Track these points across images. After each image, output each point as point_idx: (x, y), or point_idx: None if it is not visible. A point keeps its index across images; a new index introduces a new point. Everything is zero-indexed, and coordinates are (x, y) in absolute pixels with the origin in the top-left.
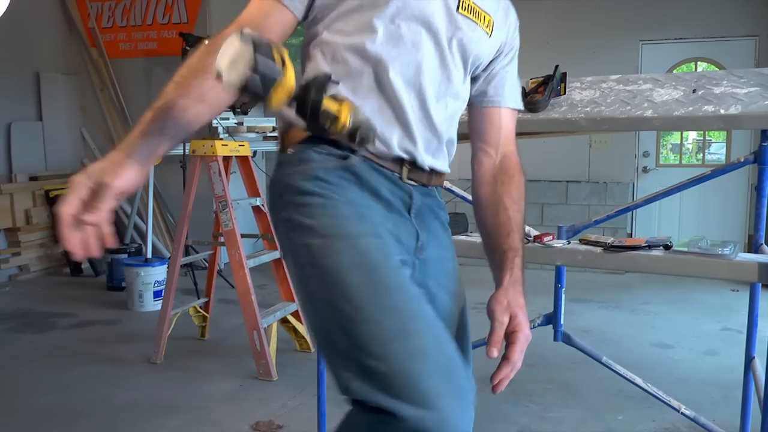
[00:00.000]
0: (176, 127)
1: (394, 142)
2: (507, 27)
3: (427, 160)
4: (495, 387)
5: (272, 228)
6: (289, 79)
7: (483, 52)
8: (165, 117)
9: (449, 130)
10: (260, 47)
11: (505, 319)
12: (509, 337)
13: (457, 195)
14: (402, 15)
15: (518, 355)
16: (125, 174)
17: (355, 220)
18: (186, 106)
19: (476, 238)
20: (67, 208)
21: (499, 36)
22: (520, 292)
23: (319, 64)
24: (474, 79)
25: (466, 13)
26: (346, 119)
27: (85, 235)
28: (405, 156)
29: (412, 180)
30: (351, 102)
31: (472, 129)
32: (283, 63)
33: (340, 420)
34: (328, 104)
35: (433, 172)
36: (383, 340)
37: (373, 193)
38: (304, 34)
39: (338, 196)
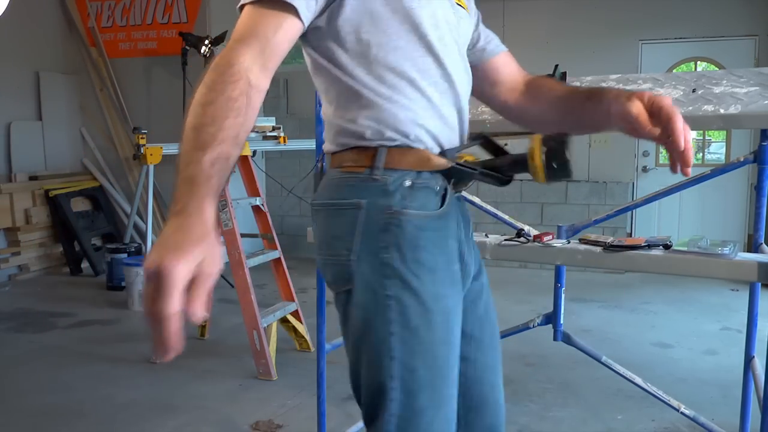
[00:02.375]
0: (230, 171)
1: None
2: None
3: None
4: (684, 154)
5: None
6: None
7: (471, 30)
8: (223, 169)
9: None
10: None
11: (638, 102)
12: (652, 108)
13: None
14: (438, 24)
15: (672, 111)
16: (219, 255)
17: (453, 296)
18: (230, 154)
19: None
20: (174, 307)
21: (471, 8)
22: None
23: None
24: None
25: (458, 1)
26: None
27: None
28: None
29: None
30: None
31: (486, 86)
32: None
33: None
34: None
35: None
36: (425, 413)
37: (454, 234)
38: (311, 44)
39: (442, 260)
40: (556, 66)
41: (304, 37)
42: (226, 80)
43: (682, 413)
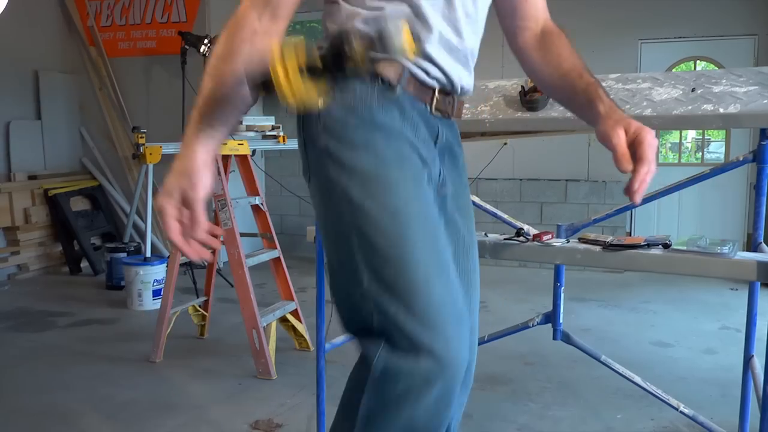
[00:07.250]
0: (231, 112)
1: (435, 67)
2: None
3: (462, 78)
4: (634, 194)
5: (300, 144)
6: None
7: None
8: (218, 103)
9: (475, 41)
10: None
11: (621, 133)
12: (635, 140)
13: None
14: None
15: (650, 151)
16: (203, 181)
17: (396, 163)
18: (232, 90)
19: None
20: (174, 233)
21: None
22: (621, 113)
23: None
24: None
25: None
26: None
27: (198, 242)
28: (437, 84)
29: (438, 112)
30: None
31: (504, 12)
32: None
33: (350, 375)
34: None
35: (458, 96)
36: (411, 282)
37: (413, 128)
38: None
39: (382, 134)
40: None
41: None
42: (232, 32)
43: (681, 412)
